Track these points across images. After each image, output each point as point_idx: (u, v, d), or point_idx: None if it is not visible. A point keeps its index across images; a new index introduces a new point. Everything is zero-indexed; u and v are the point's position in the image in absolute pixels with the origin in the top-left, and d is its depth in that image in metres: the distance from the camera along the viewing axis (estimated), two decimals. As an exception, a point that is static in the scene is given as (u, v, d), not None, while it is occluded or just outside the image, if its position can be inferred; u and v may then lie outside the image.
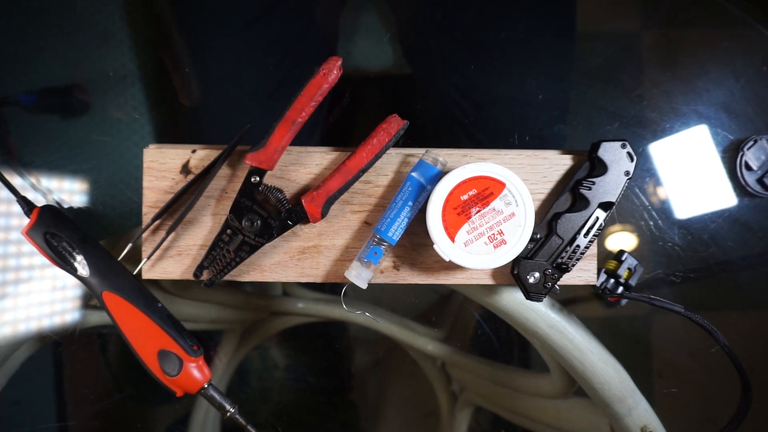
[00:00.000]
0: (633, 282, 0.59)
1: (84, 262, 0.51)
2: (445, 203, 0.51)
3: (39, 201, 0.54)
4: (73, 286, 0.66)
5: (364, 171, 0.52)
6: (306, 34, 0.70)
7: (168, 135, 0.70)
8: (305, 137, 0.66)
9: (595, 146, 0.53)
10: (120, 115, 0.68)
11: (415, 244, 0.56)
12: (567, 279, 0.56)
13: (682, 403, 0.69)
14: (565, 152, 0.56)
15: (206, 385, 0.53)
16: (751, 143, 0.68)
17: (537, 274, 0.54)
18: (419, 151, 0.55)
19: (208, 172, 0.54)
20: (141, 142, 0.68)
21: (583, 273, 0.56)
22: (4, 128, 0.67)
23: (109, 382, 0.69)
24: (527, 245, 0.52)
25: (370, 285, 0.54)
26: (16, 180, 0.65)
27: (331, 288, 0.69)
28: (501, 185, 0.51)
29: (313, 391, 0.71)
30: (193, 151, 0.55)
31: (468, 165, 0.51)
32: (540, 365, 0.66)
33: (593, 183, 0.53)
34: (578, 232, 0.53)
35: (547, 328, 0.59)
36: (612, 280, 0.58)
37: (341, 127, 0.69)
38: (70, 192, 0.66)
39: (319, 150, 0.56)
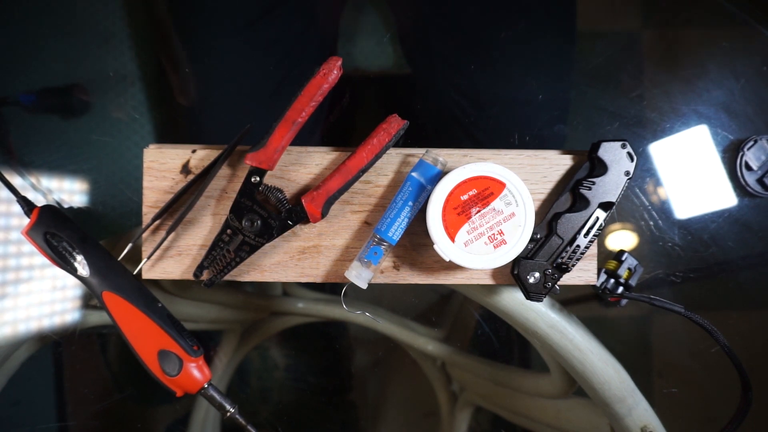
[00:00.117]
0: (633, 282, 0.59)
1: (84, 262, 0.51)
2: (445, 203, 0.51)
3: (39, 201, 0.54)
4: (73, 286, 0.66)
5: (364, 171, 0.52)
6: (306, 34, 0.70)
7: (168, 135, 0.70)
8: (305, 137, 0.66)
9: (595, 146, 0.53)
10: (120, 115, 0.68)
11: (415, 244, 0.56)
12: (567, 279, 0.56)
13: (682, 403, 0.69)
14: (565, 152, 0.56)
15: (206, 385, 0.53)
16: (751, 143, 0.68)
17: (537, 274, 0.54)
18: (419, 151, 0.55)
19: (208, 172, 0.54)
20: (141, 142, 0.68)
21: (583, 273, 0.56)
22: (4, 128, 0.67)
23: (109, 382, 0.69)
24: (527, 245, 0.52)
25: (370, 285, 0.54)
26: (16, 180, 0.65)
27: (331, 288, 0.69)
28: (501, 185, 0.51)
29: (313, 391, 0.71)
30: (193, 151, 0.55)
31: (468, 165, 0.51)
32: (540, 365, 0.67)
33: (593, 183, 0.53)
34: (578, 232, 0.53)
35: (547, 328, 0.59)
36: (612, 280, 0.58)
37: (341, 127, 0.69)
38: (70, 192, 0.66)
39: (319, 150, 0.56)
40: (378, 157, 0.52)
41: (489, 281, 0.56)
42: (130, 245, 0.54)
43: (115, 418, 0.68)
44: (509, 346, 0.69)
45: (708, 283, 0.70)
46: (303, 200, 0.52)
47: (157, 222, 0.55)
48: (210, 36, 0.69)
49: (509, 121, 0.70)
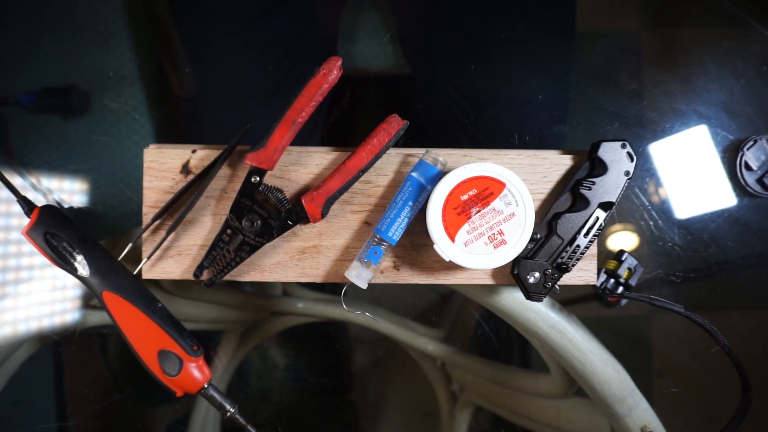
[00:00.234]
0: (633, 282, 0.59)
1: (84, 262, 0.51)
2: (445, 203, 0.51)
3: (39, 201, 0.54)
4: (73, 286, 0.66)
5: (364, 171, 0.52)
6: (306, 34, 0.70)
7: (168, 135, 0.70)
8: (305, 137, 0.66)
9: (595, 146, 0.53)
10: (120, 116, 0.68)
11: (415, 244, 0.56)
12: (567, 279, 0.56)
13: (682, 403, 0.69)
14: (565, 152, 0.56)
15: (206, 385, 0.53)
16: (751, 143, 0.68)
17: (537, 274, 0.54)
18: (419, 151, 0.55)
19: (208, 172, 0.54)
20: (141, 142, 0.68)
21: (583, 273, 0.56)
22: (4, 128, 0.67)
23: (109, 382, 0.69)
24: (527, 245, 0.52)
25: (370, 285, 0.54)
26: (16, 180, 0.65)
27: (331, 288, 0.69)
28: (501, 185, 0.51)
29: (313, 391, 0.71)
30: (193, 151, 0.55)
31: (468, 165, 0.51)
32: (540, 365, 0.66)
33: (593, 183, 0.53)
34: (578, 232, 0.53)
35: (547, 328, 0.59)
36: (612, 280, 0.58)
37: (341, 127, 0.69)
38: (70, 192, 0.66)
39: (319, 150, 0.56)
40: (378, 157, 0.52)
41: (489, 281, 0.56)
42: (130, 245, 0.54)
43: (115, 418, 0.68)
44: (509, 346, 0.69)
45: (708, 283, 0.70)
46: (303, 200, 0.52)
47: (157, 222, 0.55)
48: (210, 36, 0.69)
49: (509, 121, 0.70)
